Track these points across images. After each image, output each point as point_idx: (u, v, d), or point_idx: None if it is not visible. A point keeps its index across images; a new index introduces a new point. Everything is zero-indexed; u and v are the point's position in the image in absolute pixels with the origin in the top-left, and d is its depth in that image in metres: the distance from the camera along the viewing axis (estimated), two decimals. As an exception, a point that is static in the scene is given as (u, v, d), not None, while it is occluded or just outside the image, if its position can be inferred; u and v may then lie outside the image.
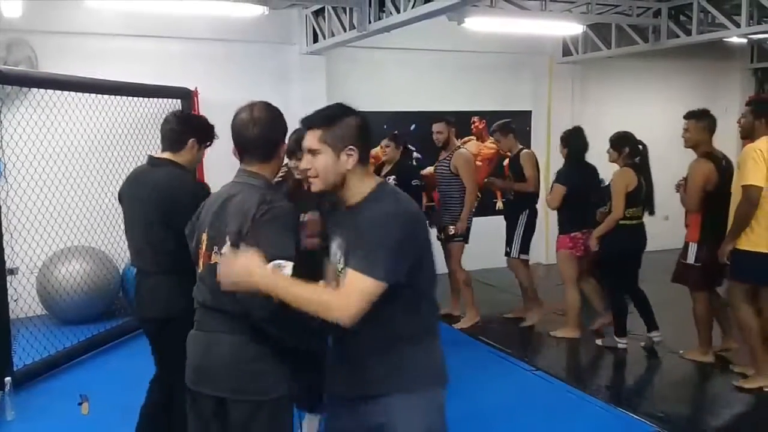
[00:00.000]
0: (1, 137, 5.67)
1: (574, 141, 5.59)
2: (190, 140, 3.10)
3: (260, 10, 6.06)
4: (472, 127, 8.18)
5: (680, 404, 4.64)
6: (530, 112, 8.61)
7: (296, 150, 3.54)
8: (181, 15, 6.31)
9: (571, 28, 7.41)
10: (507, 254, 6.02)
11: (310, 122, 2.06)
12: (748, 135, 4.51)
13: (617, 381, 5.14)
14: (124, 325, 5.73)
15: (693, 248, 4.87)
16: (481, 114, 8.22)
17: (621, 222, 5.14)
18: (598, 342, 5.51)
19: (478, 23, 6.33)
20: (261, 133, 2.28)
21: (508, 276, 6.28)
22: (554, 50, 8.53)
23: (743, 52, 9.78)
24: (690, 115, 4.90)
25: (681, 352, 5.21)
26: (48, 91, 5.44)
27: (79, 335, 5.31)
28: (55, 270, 5.83)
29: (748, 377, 4.61)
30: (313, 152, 2.04)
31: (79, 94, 5.67)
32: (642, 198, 5.20)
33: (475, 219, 5.99)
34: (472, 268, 6.24)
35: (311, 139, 2.04)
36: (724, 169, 4.74)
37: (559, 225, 5.64)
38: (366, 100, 7.70)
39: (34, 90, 5.61)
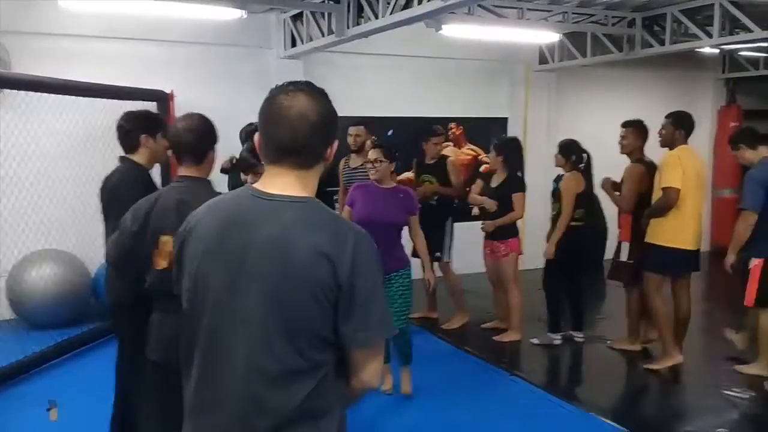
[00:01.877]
0: (-28, 138, 5.58)
1: (512, 151, 5.68)
2: (142, 137, 3.33)
3: (238, 13, 6.02)
4: (450, 133, 8.21)
5: (652, 407, 4.70)
6: (506, 118, 8.65)
7: (252, 162, 3.70)
8: (158, 17, 6.25)
9: (548, 36, 7.47)
10: (438, 260, 5.90)
11: None
12: (668, 144, 4.93)
13: (585, 383, 5.16)
14: (95, 330, 5.65)
15: (626, 247, 5.22)
16: (459, 120, 8.27)
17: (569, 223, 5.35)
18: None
19: (456, 30, 6.35)
20: (196, 138, 2.65)
21: (484, 282, 6.27)
22: (531, 58, 8.60)
23: (715, 62, 9.94)
24: (627, 124, 5.28)
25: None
26: (21, 92, 5.35)
27: (48, 340, 5.22)
28: (25, 273, 5.73)
29: (657, 359, 5.08)
30: None
31: (53, 96, 5.58)
32: (588, 201, 5.49)
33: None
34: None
35: None
36: (653, 174, 5.02)
37: (503, 230, 5.58)
38: (343, 105, 7.55)
39: (6, 91, 5.52)
